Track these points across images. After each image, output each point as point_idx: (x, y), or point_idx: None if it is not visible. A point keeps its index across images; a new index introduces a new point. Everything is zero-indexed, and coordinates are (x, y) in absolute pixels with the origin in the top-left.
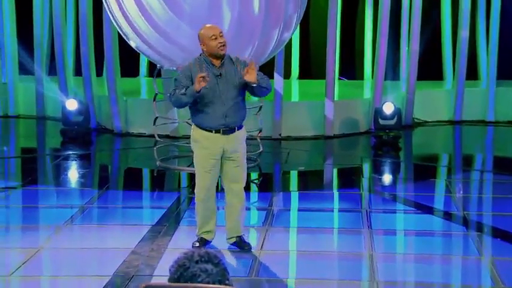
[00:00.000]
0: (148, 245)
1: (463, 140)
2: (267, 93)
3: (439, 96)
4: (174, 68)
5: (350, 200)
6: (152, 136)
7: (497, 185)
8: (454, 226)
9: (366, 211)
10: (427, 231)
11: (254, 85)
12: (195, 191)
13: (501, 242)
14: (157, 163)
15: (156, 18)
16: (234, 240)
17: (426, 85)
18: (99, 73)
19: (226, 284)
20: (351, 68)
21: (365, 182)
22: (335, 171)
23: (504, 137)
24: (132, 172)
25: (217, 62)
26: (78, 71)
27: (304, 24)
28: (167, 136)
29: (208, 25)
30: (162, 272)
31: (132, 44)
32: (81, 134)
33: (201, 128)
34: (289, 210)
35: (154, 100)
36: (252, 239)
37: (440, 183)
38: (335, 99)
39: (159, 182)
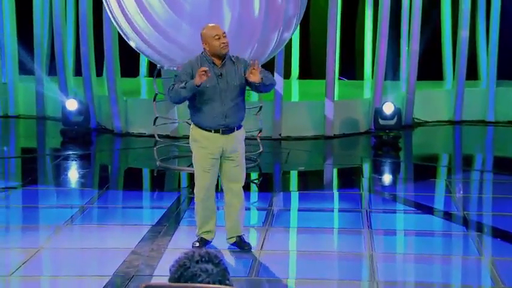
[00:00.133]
0: (148, 245)
1: (463, 140)
2: (272, 88)
3: (439, 96)
4: (174, 68)
5: (350, 200)
6: (152, 136)
7: (497, 185)
8: (454, 226)
9: (366, 211)
10: (427, 231)
11: (258, 84)
12: (195, 190)
13: (501, 242)
14: (158, 163)
15: (156, 17)
16: (234, 240)
17: (426, 85)
18: (99, 73)
19: (226, 284)
20: (351, 68)
21: (365, 182)
22: (335, 171)
23: (504, 137)
24: (132, 172)
25: (218, 62)
26: (78, 71)
27: (304, 24)
28: (167, 136)
29: (211, 25)
30: (162, 272)
31: (132, 44)
32: (81, 134)
33: (200, 127)
34: (289, 210)
35: (154, 100)
36: (252, 239)
37: (440, 183)
38: (335, 99)
39: (159, 182)
